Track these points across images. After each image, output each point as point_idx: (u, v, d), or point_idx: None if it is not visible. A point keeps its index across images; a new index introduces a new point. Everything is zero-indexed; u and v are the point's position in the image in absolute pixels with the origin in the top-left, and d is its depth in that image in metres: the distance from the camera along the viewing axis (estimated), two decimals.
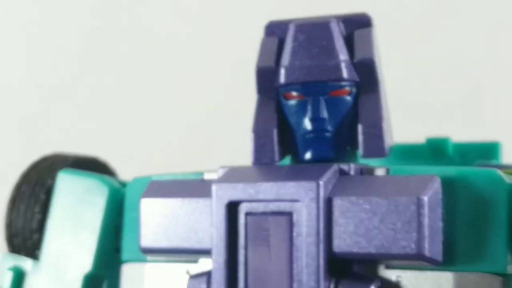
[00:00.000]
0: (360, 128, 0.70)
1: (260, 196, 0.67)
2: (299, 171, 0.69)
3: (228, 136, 1.36)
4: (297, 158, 0.73)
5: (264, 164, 0.71)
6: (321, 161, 0.71)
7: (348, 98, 0.71)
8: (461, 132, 0.87)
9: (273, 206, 0.67)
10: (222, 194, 0.69)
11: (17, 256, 0.84)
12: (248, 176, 0.70)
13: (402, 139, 0.87)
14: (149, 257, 0.76)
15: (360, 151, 0.70)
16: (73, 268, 0.80)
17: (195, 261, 0.74)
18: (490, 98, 1.16)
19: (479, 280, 0.63)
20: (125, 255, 0.78)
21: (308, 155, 0.71)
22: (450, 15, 1.25)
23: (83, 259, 0.80)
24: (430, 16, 1.24)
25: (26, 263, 0.83)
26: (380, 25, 0.76)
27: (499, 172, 0.64)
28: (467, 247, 0.63)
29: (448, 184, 0.64)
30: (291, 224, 0.66)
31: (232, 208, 0.68)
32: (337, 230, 0.65)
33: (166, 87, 1.49)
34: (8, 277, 0.83)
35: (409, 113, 1.03)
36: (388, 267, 0.66)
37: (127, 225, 0.78)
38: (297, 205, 0.66)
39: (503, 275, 0.62)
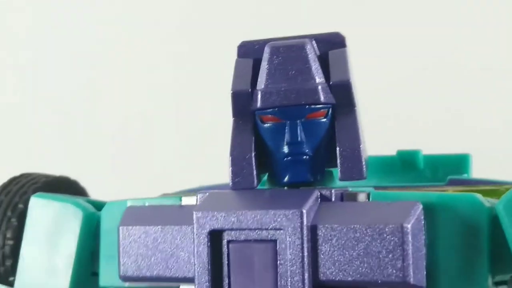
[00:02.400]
0: (338, 151, 0.70)
1: (243, 225, 0.67)
2: (281, 197, 0.69)
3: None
4: (275, 180, 0.73)
5: (241, 190, 0.71)
6: (300, 184, 0.72)
7: (325, 120, 0.71)
8: (433, 144, 0.88)
9: (256, 234, 0.67)
10: (203, 223, 0.68)
11: None
12: (229, 203, 0.69)
13: (374, 151, 0.88)
14: (127, 284, 0.76)
15: (339, 174, 0.70)
16: None
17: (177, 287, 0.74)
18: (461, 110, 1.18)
19: None
20: (102, 280, 0.77)
21: (287, 179, 0.71)
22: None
23: (60, 285, 0.79)
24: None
25: None
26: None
27: (479, 196, 0.65)
28: (449, 272, 0.64)
29: (429, 210, 0.65)
30: (275, 252, 0.66)
31: (214, 236, 0.68)
32: (322, 258, 0.65)
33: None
34: None
35: (381, 126, 1.03)
36: None
37: (104, 250, 0.78)
38: (280, 233, 0.66)
39: None
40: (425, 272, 0.64)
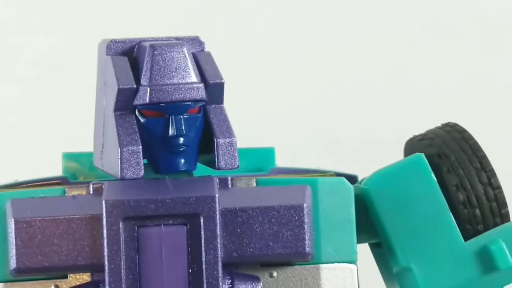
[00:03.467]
0: (217, 143, 0.78)
1: (157, 212, 0.73)
2: (186, 184, 0.75)
3: None
4: (157, 170, 0.79)
5: (134, 179, 0.75)
6: (181, 173, 0.79)
7: (199, 116, 0.79)
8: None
9: (165, 219, 0.73)
10: (115, 211, 0.72)
11: None
12: (136, 190, 0.74)
13: None
14: (1, 277, 0.76)
15: (216, 164, 0.78)
16: None
17: (65, 277, 0.76)
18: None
19: (339, 268, 0.77)
20: None
21: (170, 168, 0.78)
22: None
23: None
24: None
25: None
26: None
27: (344, 179, 0.78)
28: (327, 243, 0.77)
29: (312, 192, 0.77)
30: (186, 235, 0.73)
31: (126, 223, 0.73)
32: (233, 237, 0.74)
33: None
34: None
35: None
36: (262, 265, 0.77)
37: None
38: (190, 217, 0.73)
39: (355, 263, 0.78)
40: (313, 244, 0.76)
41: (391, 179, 0.80)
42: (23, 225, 0.73)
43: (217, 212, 0.73)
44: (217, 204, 0.74)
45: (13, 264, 0.73)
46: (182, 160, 0.79)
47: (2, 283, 0.76)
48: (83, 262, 0.73)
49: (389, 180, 0.80)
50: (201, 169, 0.84)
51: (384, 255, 0.81)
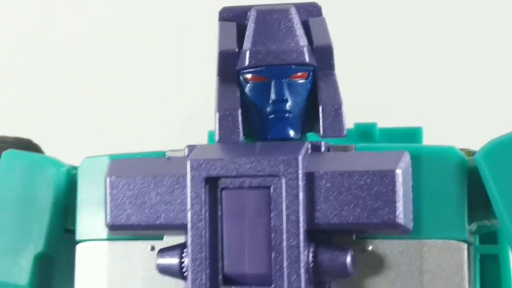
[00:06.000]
0: (321, 109, 0.74)
1: (239, 172, 0.70)
2: (273, 148, 0.72)
3: None
4: (258, 137, 0.75)
5: (229, 142, 0.74)
6: (283, 140, 0.75)
7: (307, 81, 0.75)
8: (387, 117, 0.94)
9: (249, 181, 0.70)
10: (199, 170, 0.71)
11: None
12: (223, 152, 0.72)
13: None
14: (107, 235, 0.77)
15: (321, 131, 0.74)
16: (24, 248, 0.79)
17: (160, 238, 0.76)
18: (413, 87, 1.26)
19: (445, 246, 0.69)
20: (80, 234, 0.78)
21: (270, 135, 0.75)
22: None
23: (34, 240, 0.79)
24: None
25: None
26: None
27: (459, 150, 0.70)
28: (432, 217, 0.69)
29: (414, 160, 0.70)
30: (268, 198, 0.70)
31: (209, 183, 0.71)
32: (316, 203, 0.69)
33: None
34: None
35: None
36: (358, 237, 0.71)
37: (81, 204, 0.78)
38: (275, 179, 0.69)
39: (466, 242, 0.69)
40: (412, 216, 0.68)
41: (508, 148, 0.70)
42: (116, 183, 0.74)
43: (300, 175, 0.69)
44: (300, 166, 0.69)
45: (108, 220, 0.74)
46: (285, 127, 0.75)
47: (108, 241, 0.78)
48: (167, 222, 0.72)
49: (505, 149, 0.70)
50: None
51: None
